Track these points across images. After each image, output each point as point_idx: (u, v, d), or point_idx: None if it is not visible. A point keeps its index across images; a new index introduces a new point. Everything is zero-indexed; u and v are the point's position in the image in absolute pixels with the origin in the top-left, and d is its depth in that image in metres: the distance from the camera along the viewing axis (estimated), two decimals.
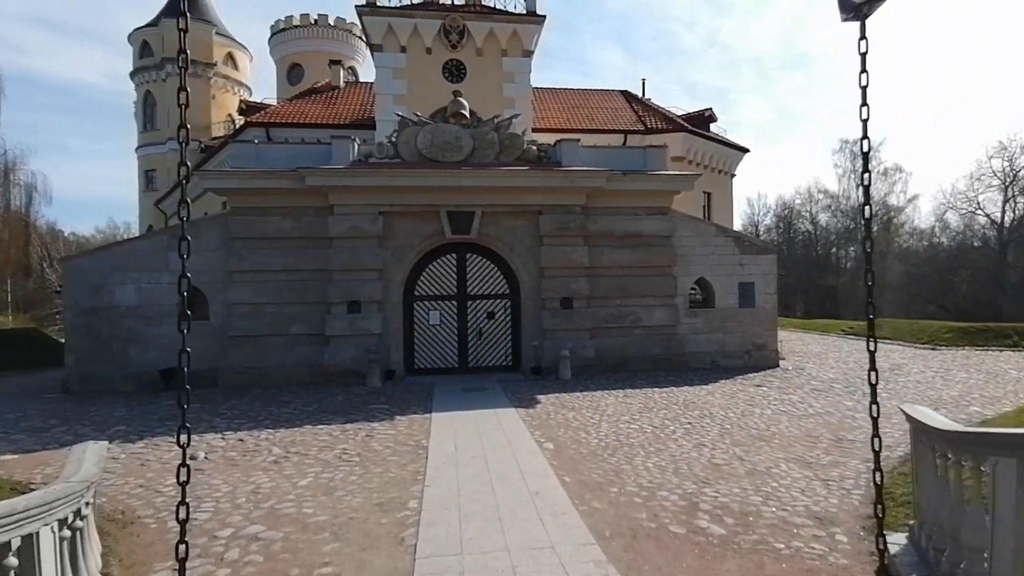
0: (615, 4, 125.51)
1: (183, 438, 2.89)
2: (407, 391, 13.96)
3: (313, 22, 42.38)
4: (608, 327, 16.42)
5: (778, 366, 16.97)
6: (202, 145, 34.63)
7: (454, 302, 16.47)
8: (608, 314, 16.44)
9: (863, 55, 3.17)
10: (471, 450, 8.56)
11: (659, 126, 26.67)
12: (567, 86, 33.08)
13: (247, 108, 30.72)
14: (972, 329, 22.07)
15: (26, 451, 8.84)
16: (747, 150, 30.98)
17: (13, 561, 3.05)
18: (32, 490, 5.72)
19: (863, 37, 3.13)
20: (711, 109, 30.24)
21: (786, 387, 13.87)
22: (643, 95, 31.38)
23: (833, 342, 24.40)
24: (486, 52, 23.14)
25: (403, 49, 22.72)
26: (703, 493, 6.67)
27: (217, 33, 39.86)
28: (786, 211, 59.60)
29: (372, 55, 23.64)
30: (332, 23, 42.75)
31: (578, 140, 17.32)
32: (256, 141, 17.68)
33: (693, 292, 17.48)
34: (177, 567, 2.88)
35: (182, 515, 2.91)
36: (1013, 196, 43.75)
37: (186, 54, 2.68)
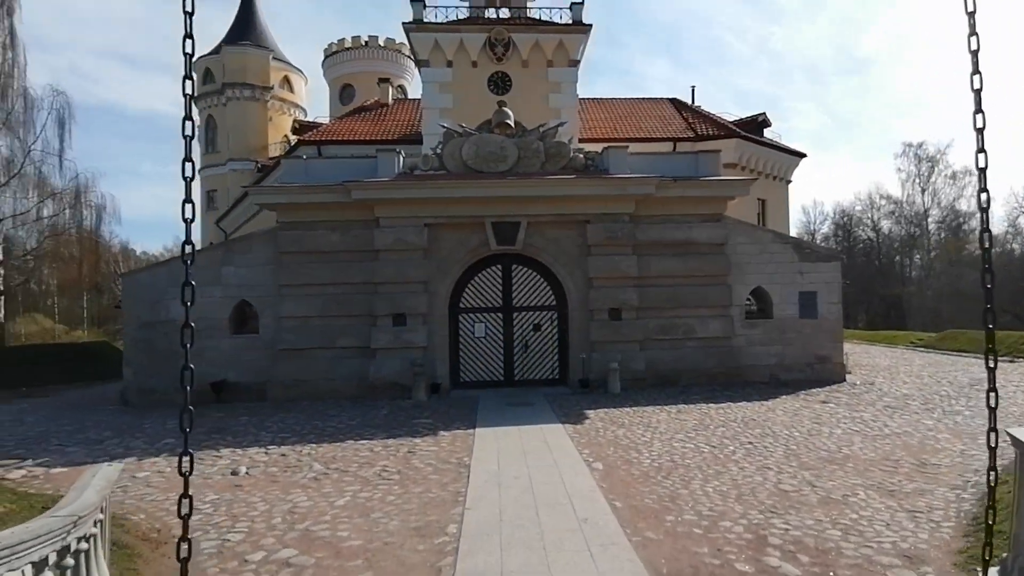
0: (662, 15, 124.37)
1: (184, 464, 2.61)
2: (452, 405, 13.68)
3: (364, 44, 43.45)
4: (659, 339, 15.74)
5: (844, 380, 15.87)
6: (258, 165, 35.85)
7: (499, 314, 16.15)
8: (659, 325, 15.77)
9: (974, 53, 2.62)
10: (515, 469, 8.15)
11: (710, 132, 25.79)
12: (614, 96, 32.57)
13: (300, 127, 31.60)
14: None
15: (77, 464, 8.95)
16: (803, 155, 29.67)
17: None
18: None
19: (973, 33, 2.60)
20: (764, 114, 29.14)
21: (855, 403, 12.87)
22: (692, 103, 30.53)
23: (902, 355, 22.93)
24: (531, 63, 22.97)
25: (449, 63, 22.81)
26: (771, 524, 6.03)
27: (274, 58, 41.29)
28: (844, 218, 57.08)
29: (419, 71, 23.85)
30: (382, 44, 43.73)
31: (626, 148, 16.82)
32: (304, 157, 17.97)
33: (749, 302, 16.60)
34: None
35: (183, 553, 2.60)
36: None
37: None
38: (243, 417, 12.76)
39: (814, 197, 76.80)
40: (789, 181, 29.35)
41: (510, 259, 16.16)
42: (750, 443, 9.50)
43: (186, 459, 2.63)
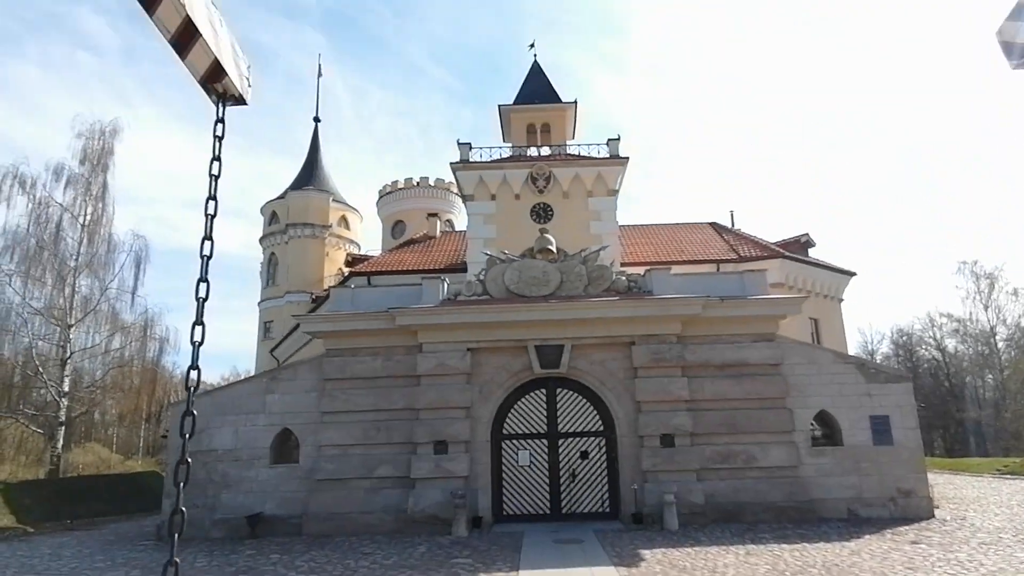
0: (695, 151, 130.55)
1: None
2: (494, 542, 12.68)
3: (415, 184, 46.91)
4: (717, 468, 14.59)
5: (933, 516, 14.12)
6: (313, 296, 37.50)
7: (544, 440, 15.45)
8: (715, 452, 14.69)
9: None
10: None
11: (753, 254, 25.75)
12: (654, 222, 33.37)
13: (352, 260, 33.36)
14: None
15: None
16: (852, 273, 29.01)
17: None
18: None
19: None
20: (807, 234, 29.10)
21: (949, 542, 11.30)
22: (732, 225, 30.92)
23: (989, 484, 20.86)
24: (572, 194, 24.02)
25: (493, 197, 24.09)
26: None
27: (333, 200, 44.73)
28: (904, 337, 54.48)
29: (465, 204, 25.22)
30: (432, 184, 47.07)
31: (669, 269, 16.83)
32: (352, 286, 18.65)
33: (813, 427, 15.42)
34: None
35: None
36: None
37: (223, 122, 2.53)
38: (274, 555, 12.11)
39: (868, 319, 74.24)
40: (841, 299, 28.52)
41: (554, 383, 15.76)
42: None
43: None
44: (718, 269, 24.88)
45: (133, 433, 46.07)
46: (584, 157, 24.78)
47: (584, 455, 15.35)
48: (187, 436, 2.51)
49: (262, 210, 44.95)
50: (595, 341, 15.51)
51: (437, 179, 47.30)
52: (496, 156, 25.03)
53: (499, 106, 27.70)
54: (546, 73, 29.98)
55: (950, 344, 51.88)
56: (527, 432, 15.55)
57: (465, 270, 23.43)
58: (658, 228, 30.45)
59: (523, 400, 15.73)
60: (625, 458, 15.01)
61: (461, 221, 44.60)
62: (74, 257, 28.02)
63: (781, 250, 26.39)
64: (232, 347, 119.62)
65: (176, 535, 2.39)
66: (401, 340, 15.61)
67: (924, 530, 12.74)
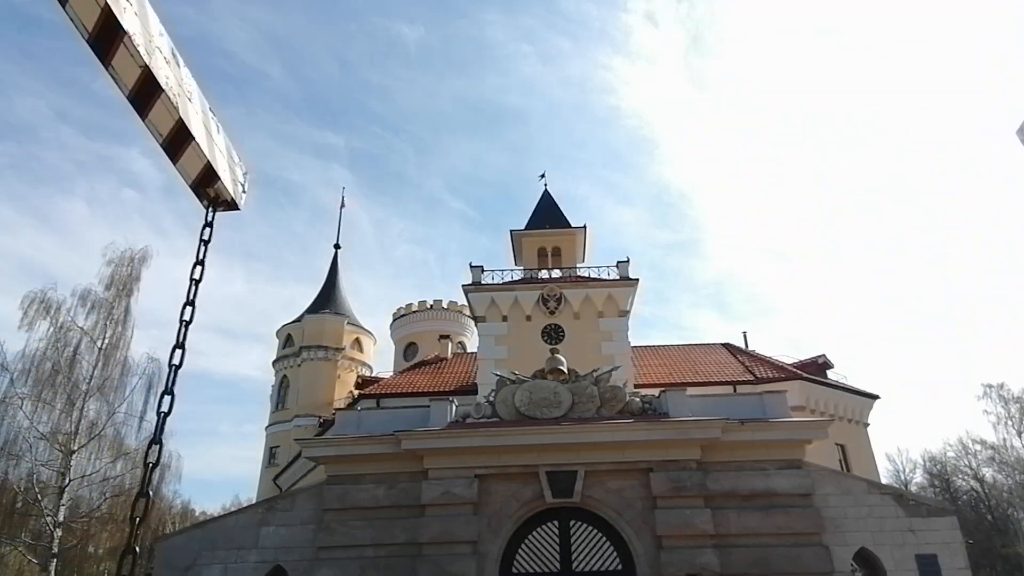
0: (705, 275, 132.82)
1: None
2: None
3: (428, 307, 47.59)
4: None
5: None
6: (321, 420, 36.67)
7: None
8: None
9: None
10: None
11: (770, 375, 25.11)
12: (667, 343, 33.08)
13: (363, 382, 32.99)
14: None
15: None
16: (876, 396, 27.94)
17: None
18: None
19: None
20: (824, 355, 28.48)
21: None
22: (746, 346, 30.51)
23: None
24: (583, 315, 24.06)
25: (504, 318, 24.19)
26: None
27: (348, 323, 45.26)
28: (937, 466, 51.50)
29: (476, 325, 25.29)
30: (444, 306, 47.72)
31: (684, 391, 16.30)
32: (360, 408, 18.19)
33: (854, 568, 13.99)
34: None
35: None
36: None
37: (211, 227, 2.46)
38: None
39: (896, 444, 70.78)
40: (867, 424, 27.25)
41: (568, 513, 14.69)
42: None
43: None
44: (735, 391, 24.14)
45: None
46: (594, 279, 25.15)
47: None
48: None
49: (277, 333, 45.39)
50: (610, 467, 14.66)
51: (450, 302, 48.02)
52: (508, 279, 25.51)
53: (511, 231, 28.70)
54: (556, 201, 31.37)
55: (987, 473, 48.89)
56: (538, 571, 14.24)
57: (476, 391, 22.94)
58: (671, 349, 30.14)
59: (534, 534, 14.59)
60: None
61: (473, 343, 44.60)
62: (87, 380, 27.98)
63: (799, 371, 25.73)
64: (238, 474, 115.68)
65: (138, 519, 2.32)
66: (406, 466, 14.87)
67: None
